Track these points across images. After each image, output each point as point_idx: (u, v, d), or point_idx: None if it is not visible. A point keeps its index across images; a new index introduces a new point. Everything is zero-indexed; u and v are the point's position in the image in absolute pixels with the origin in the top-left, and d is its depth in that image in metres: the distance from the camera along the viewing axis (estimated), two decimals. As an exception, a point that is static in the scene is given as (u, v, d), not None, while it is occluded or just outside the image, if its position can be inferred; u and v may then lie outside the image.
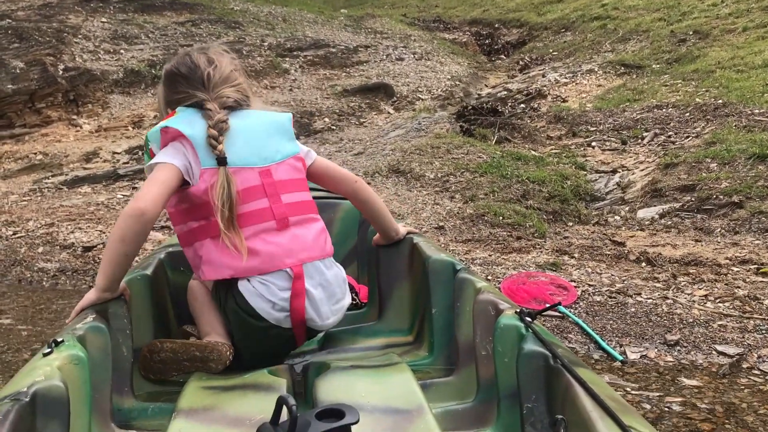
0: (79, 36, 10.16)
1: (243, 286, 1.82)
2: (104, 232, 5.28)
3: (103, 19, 11.02)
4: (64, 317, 3.73)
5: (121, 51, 10.15)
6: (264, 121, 1.97)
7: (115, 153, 7.67)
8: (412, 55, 11.54)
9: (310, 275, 1.88)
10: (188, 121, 1.85)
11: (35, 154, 7.77)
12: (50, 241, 5.22)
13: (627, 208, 5.39)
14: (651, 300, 3.55)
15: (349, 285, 2.73)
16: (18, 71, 8.58)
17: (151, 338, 2.00)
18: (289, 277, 1.84)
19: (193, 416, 1.49)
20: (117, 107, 9.05)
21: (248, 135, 1.90)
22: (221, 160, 1.81)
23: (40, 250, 5.09)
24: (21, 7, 10.78)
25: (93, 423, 1.52)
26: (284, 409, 1.20)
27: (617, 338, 3.19)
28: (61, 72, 8.95)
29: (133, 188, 6.68)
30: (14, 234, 5.48)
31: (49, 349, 1.46)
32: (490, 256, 4.33)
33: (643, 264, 4.14)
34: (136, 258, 2.03)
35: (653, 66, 9.39)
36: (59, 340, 1.50)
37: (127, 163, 7.45)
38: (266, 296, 1.81)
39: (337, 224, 2.98)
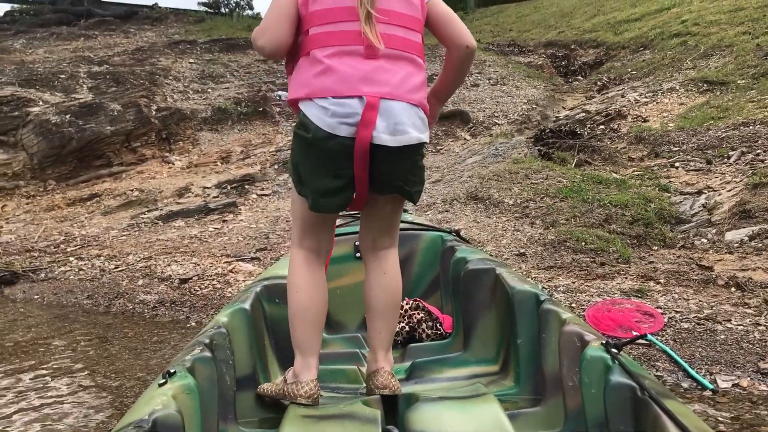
0: (170, 77, 10.75)
1: (307, 107, 1.78)
2: (198, 264, 5.55)
3: (191, 60, 11.62)
4: (166, 347, 3.96)
5: (209, 90, 10.67)
6: None
7: (205, 188, 8.04)
8: (488, 81, 11.57)
9: (383, 114, 1.77)
10: None
11: (132, 190, 8.23)
12: (149, 274, 5.53)
13: (714, 231, 5.24)
14: (742, 326, 3.46)
15: (434, 315, 2.82)
16: (115, 113, 9.15)
17: (252, 368, 2.14)
18: (360, 105, 1.75)
19: (294, 443, 1.60)
20: (206, 144, 9.50)
21: None
22: None
23: (140, 282, 5.40)
24: (117, 52, 11.52)
25: None
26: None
27: (707, 366, 3.13)
28: (154, 112, 9.48)
29: (223, 221, 6.98)
30: (116, 268, 5.84)
31: (163, 380, 1.60)
32: (573, 283, 4.31)
33: (733, 289, 4.03)
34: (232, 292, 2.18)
35: (738, 82, 9.08)
36: (172, 371, 1.64)
37: (217, 197, 7.79)
38: (330, 109, 1.75)
39: (419, 255, 3.08)
